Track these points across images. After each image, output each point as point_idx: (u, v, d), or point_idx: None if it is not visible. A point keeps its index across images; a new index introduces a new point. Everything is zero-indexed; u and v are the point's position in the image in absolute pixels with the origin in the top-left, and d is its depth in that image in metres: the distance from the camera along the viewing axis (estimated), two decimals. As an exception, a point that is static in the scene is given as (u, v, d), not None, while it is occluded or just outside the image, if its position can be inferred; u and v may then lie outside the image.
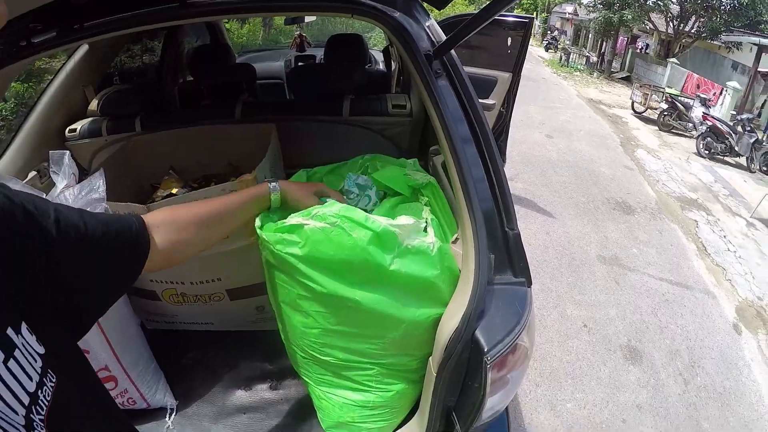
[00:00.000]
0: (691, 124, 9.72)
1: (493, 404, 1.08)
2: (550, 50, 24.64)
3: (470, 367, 1.05)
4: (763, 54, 11.53)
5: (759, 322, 3.95)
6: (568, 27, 33.36)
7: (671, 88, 12.29)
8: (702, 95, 10.56)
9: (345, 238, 1.00)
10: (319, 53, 3.61)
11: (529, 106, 10.25)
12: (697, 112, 9.61)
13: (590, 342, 3.25)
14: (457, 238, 1.19)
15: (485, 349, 0.98)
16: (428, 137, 1.82)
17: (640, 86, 11.80)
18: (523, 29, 3.53)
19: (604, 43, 20.36)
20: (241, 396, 1.58)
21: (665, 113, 10.16)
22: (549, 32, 30.99)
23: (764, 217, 6.11)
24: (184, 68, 2.84)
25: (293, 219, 1.03)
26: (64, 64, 1.95)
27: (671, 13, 16.56)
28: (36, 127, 1.79)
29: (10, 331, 0.46)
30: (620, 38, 20.17)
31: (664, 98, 10.55)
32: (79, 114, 2.02)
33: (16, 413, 0.44)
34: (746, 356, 3.50)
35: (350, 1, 1.30)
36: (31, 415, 0.45)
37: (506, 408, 1.26)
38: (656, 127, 10.29)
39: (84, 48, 1.95)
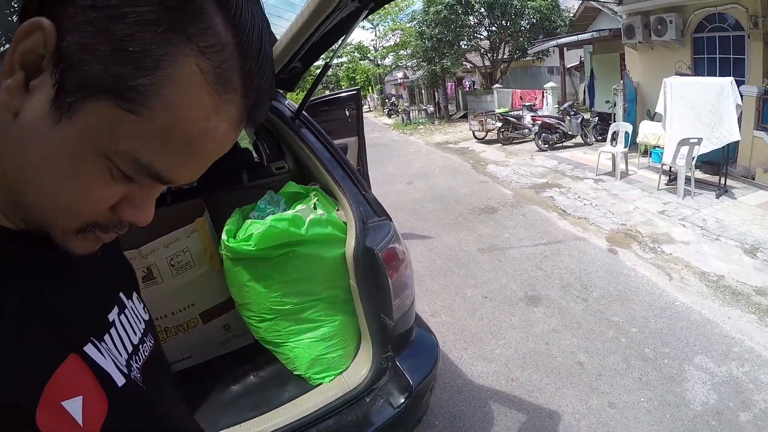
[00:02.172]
0: (526, 130, 11.51)
1: (400, 302, 1.89)
2: (392, 116, 27.22)
3: (372, 268, 1.84)
4: (565, 51, 13.97)
5: (629, 240, 4.97)
6: (402, 91, 37.01)
7: (502, 108, 14.23)
8: (527, 103, 12.60)
9: (274, 229, 1.84)
10: None
11: (386, 165, 11.42)
12: (527, 118, 11.35)
13: (494, 306, 3.89)
14: (338, 209, 2.11)
15: (374, 248, 1.80)
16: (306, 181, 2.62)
17: (474, 116, 13.74)
18: (354, 99, 4.45)
19: (436, 93, 23.08)
20: (235, 391, 2.09)
21: (502, 130, 11.97)
22: (387, 100, 34.33)
23: (606, 171, 7.46)
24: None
25: (245, 234, 1.92)
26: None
27: (483, 49, 19.68)
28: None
29: (121, 295, 0.65)
30: (448, 84, 23.07)
31: (497, 119, 12.30)
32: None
33: (120, 354, 0.57)
34: (628, 264, 4.44)
35: None
36: (131, 361, 0.59)
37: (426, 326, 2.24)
38: (499, 144, 12.01)
39: None
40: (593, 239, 5.06)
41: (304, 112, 2.38)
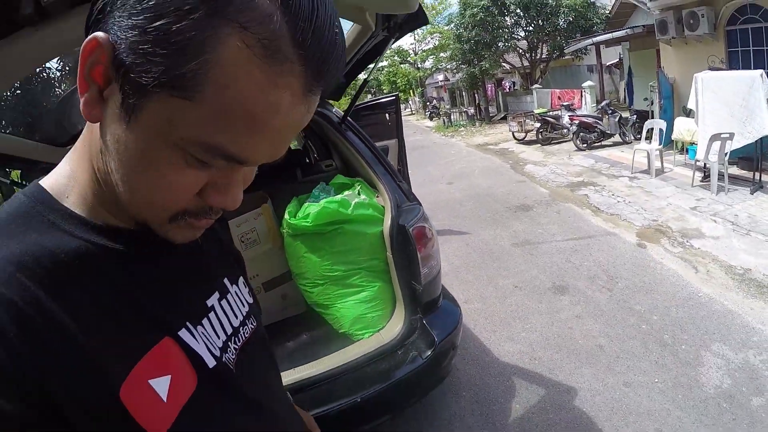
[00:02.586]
0: (565, 130, 11.54)
1: (427, 270, 2.30)
2: (434, 118, 27.40)
3: (404, 242, 2.27)
4: (604, 49, 13.94)
5: (659, 235, 5.11)
6: (443, 93, 37.08)
7: (541, 108, 14.28)
8: (565, 103, 12.65)
9: (326, 209, 2.40)
10: None
11: (427, 167, 11.76)
12: (566, 117, 11.42)
13: (524, 295, 4.14)
14: (378, 196, 2.59)
15: (406, 225, 2.23)
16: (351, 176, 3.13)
17: (513, 117, 13.86)
18: (393, 104, 4.85)
19: (476, 95, 23.22)
20: (290, 347, 2.61)
21: (540, 130, 12.06)
22: (428, 103, 34.64)
23: (641, 169, 7.56)
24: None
25: (304, 214, 2.46)
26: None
27: (521, 49, 19.75)
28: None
29: (226, 281, 0.70)
30: (488, 86, 23.19)
31: (535, 119, 12.40)
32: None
33: (218, 337, 0.62)
34: (655, 258, 4.59)
35: None
36: (229, 342, 0.64)
37: (452, 298, 2.69)
38: (538, 145, 12.12)
39: None
40: (624, 234, 5.22)
41: (348, 117, 2.88)
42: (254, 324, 0.74)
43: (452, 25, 21.50)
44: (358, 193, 2.63)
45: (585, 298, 3.95)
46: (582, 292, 4.05)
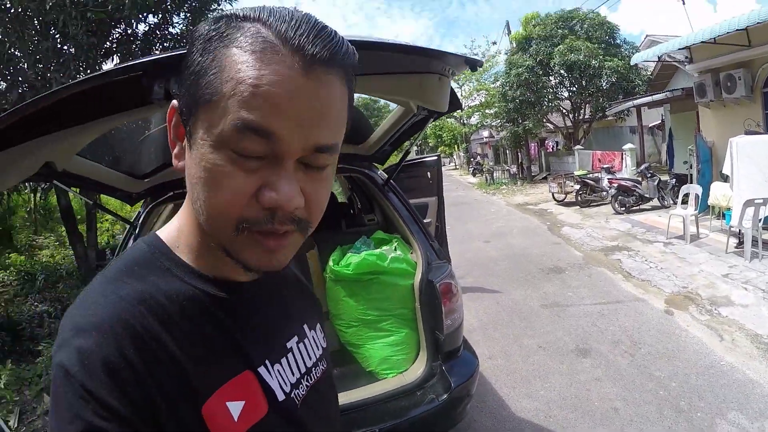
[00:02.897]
0: (604, 192, 11.63)
1: (450, 321, 2.59)
2: (477, 175, 27.76)
3: (431, 296, 2.58)
4: (647, 110, 14.08)
5: (688, 302, 5.20)
6: (488, 150, 37.43)
7: (582, 170, 14.41)
8: (605, 166, 12.78)
9: (366, 260, 2.73)
10: None
11: (467, 224, 12.02)
12: (605, 180, 11.57)
13: (547, 355, 4.29)
14: (412, 252, 2.90)
15: (434, 281, 2.55)
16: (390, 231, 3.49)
17: (554, 178, 14.07)
18: (435, 165, 5.24)
19: (519, 154, 23.53)
20: None
21: (579, 192, 12.21)
22: (472, 159, 34.99)
23: (677, 234, 7.60)
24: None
25: (346, 262, 2.80)
26: (160, 213, 3.35)
27: (565, 109, 20.17)
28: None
29: (305, 327, 0.81)
30: (531, 145, 23.53)
31: (575, 181, 12.58)
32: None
33: (292, 374, 0.73)
34: (681, 325, 4.68)
35: (351, 169, 3.20)
36: (301, 379, 0.75)
37: (471, 350, 2.91)
38: (577, 207, 12.26)
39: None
40: (652, 301, 5.30)
41: (391, 180, 3.29)
42: (324, 365, 0.84)
43: (498, 84, 22.11)
44: (395, 249, 2.98)
45: (606, 361, 4.06)
46: (604, 355, 4.17)
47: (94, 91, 1.47)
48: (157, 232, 0.70)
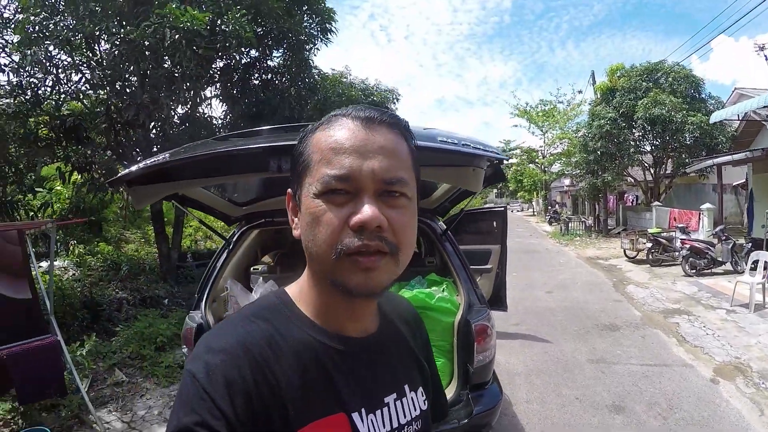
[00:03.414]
0: (676, 253, 11.41)
1: (480, 357, 3.04)
2: (553, 223, 27.48)
3: (467, 333, 3.07)
4: (729, 168, 13.67)
5: (737, 373, 5.24)
6: (566, 199, 36.85)
7: (656, 228, 14.13)
8: (679, 225, 12.55)
9: (417, 296, 3.31)
10: None
11: (533, 272, 12.21)
12: (678, 240, 11.44)
13: (582, 407, 4.52)
14: (458, 295, 3.38)
15: (471, 321, 3.03)
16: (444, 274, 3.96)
17: (626, 234, 13.94)
18: (502, 215, 5.68)
19: (597, 206, 23.21)
20: None
21: (651, 251, 12.08)
22: (550, 207, 34.84)
23: (743, 302, 7.49)
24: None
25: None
26: (249, 235, 4.10)
27: (647, 163, 19.84)
28: (232, 268, 3.86)
29: (406, 387, 0.91)
30: (610, 198, 23.15)
31: (648, 239, 12.44)
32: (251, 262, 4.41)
33: (383, 426, 0.83)
34: (723, 395, 4.72)
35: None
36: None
37: (499, 385, 3.33)
38: (648, 265, 12.10)
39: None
40: (700, 368, 5.35)
41: (448, 231, 3.83)
42: (419, 426, 0.92)
43: (579, 134, 21.98)
44: (443, 290, 3.48)
45: (638, 421, 4.22)
46: (637, 415, 4.32)
47: (227, 158, 2.26)
48: (285, 289, 0.88)
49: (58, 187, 10.57)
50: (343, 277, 0.74)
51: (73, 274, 8.68)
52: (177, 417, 0.69)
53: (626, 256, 13.55)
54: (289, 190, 0.85)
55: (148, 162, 2.75)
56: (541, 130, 35.29)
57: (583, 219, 23.75)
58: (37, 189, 8.57)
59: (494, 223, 5.73)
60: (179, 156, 2.60)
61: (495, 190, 74.01)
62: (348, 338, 0.83)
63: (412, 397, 0.92)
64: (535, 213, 43.46)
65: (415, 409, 0.92)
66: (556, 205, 35.28)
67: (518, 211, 53.06)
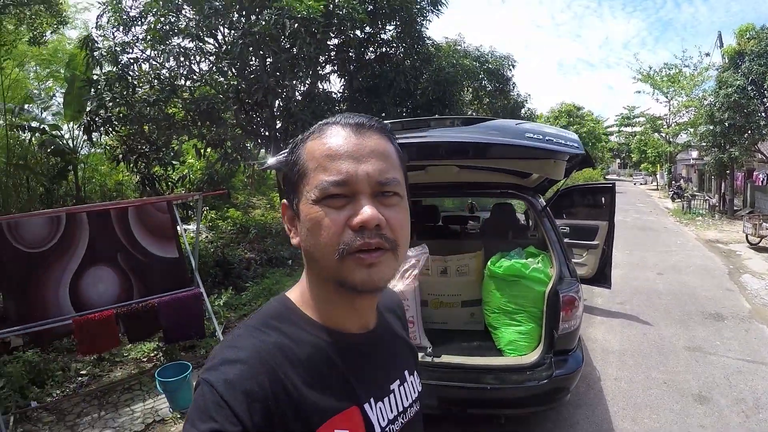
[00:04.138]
0: (805, 242, 10.62)
1: (565, 325, 3.50)
2: (676, 200, 25.88)
3: (555, 303, 3.52)
4: None
5: None
6: (693, 173, 34.36)
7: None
8: (813, 210, 11.51)
9: (514, 266, 3.86)
10: (482, 214, 7.89)
11: (647, 252, 12.02)
12: (809, 227, 10.60)
13: (667, 391, 4.73)
14: (551, 267, 3.86)
15: (560, 292, 3.45)
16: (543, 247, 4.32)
17: (749, 218, 13.09)
18: (610, 191, 5.86)
19: (723, 183, 21.66)
20: (465, 345, 4.03)
21: (776, 238, 11.21)
22: (674, 181, 32.75)
23: None
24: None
25: (498, 264, 3.88)
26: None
27: (779, 138, 18.01)
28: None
29: (406, 372, 1.01)
30: (737, 175, 21.45)
31: (774, 223, 11.68)
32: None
33: (391, 412, 0.91)
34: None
35: (518, 195, 4.26)
36: (398, 416, 0.93)
37: (582, 351, 3.76)
38: (771, 253, 11.33)
39: None
40: (805, 372, 5.24)
41: (547, 208, 4.21)
42: (417, 407, 1.01)
43: (706, 103, 20.35)
44: (538, 262, 3.93)
45: (719, 414, 4.32)
46: (720, 408, 4.41)
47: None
48: (286, 294, 0.94)
49: (191, 160, 11.96)
50: (348, 275, 0.79)
51: (206, 237, 9.97)
52: (193, 424, 0.72)
53: (748, 241, 12.71)
54: (284, 201, 0.91)
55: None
56: (666, 97, 32.93)
57: (707, 197, 22.24)
58: (174, 162, 9.77)
59: (602, 199, 5.97)
60: None
61: (618, 161, 70.07)
62: (353, 335, 0.90)
63: (411, 381, 1.02)
64: (659, 187, 40.81)
65: (414, 392, 1.02)
66: (681, 180, 32.91)
67: (641, 184, 49.83)
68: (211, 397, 0.73)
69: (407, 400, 0.98)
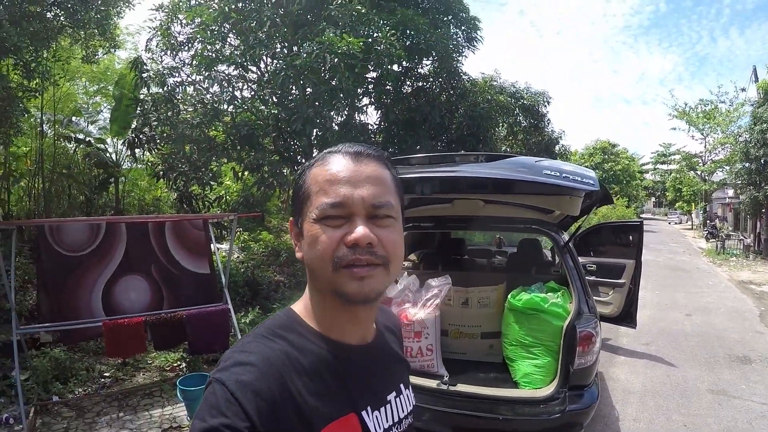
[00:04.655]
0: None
1: (581, 360, 3.52)
2: (710, 240, 25.31)
3: (572, 338, 3.53)
4: None
5: None
6: (728, 212, 33.58)
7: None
8: None
9: (533, 300, 3.90)
10: (509, 249, 7.84)
11: (677, 292, 11.83)
12: None
13: (686, 434, 4.71)
14: (571, 303, 3.88)
15: (577, 327, 3.54)
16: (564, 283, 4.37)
17: (785, 259, 12.62)
18: (638, 230, 5.83)
19: (759, 223, 21.10)
20: (483, 376, 4.07)
21: (813, 280, 10.90)
22: (709, 221, 32.01)
23: None
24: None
25: (518, 297, 3.95)
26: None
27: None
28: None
29: (401, 385, 1.06)
30: (774, 214, 20.71)
31: (811, 266, 11.34)
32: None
33: (387, 421, 0.98)
34: None
35: (541, 231, 4.35)
36: (392, 426, 0.99)
37: (597, 387, 3.79)
38: (811, 295, 11.00)
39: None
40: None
41: (569, 244, 4.28)
42: (411, 420, 1.07)
43: (741, 139, 20.01)
44: (557, 297, 4.00)
45: None
46: None
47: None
48: (291, 307, 1.01)
49: (228, 182, 12.30)
50: (341, 285, 0.87)
51: (238, 257, 10.18)
52: (203, 419, 0.78)
53: (785, 283, 12.43)
54: (291, 218, 1.00)
55: None
56: (702, 134, 32.44)
57: (742, 237, 21.70)
58: (211, 183, 10.05)
59: (630, 237, 5.95)
60: None
61: (653, 199, 68.90)
62: (353, 346, 0.97)
63: (407, 394, 1.08)
64: (693, 226, 39.89)
65: (409, 405, 1.08)
66: (716, 219, 32.11)
67: (676, 223, 48.75)
68: (223, 395, 0.78)
69: (403, 411, 1.04)
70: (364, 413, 0.93)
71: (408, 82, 11.13)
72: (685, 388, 5.82)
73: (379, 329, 1.09)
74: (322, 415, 0.85)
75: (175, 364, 5.93)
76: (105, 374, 5.56)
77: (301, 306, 1.00)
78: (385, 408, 0.99)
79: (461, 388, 3.71)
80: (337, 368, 0.92)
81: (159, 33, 9.40)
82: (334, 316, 0.95)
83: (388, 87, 10.34)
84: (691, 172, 36.91)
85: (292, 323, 0.96)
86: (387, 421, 0.98)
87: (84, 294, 4.87)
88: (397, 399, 1.04)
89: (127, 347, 4.78)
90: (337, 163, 0.92)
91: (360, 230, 0.86)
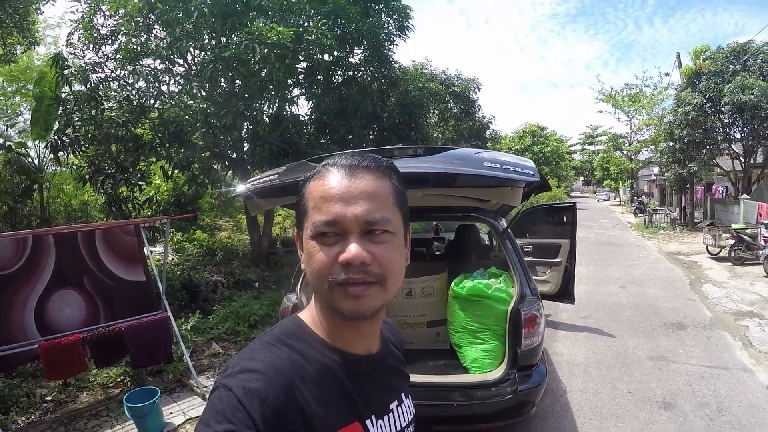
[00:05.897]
0: (760, 251, 11.07)
1: (528, 342, 3.56)
2: (638, 215, 26.57)
3: (517, 321, 3.58)
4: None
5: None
6: (654, 189, 35.18)
7: (741, 224, 13.48)
8: (764, 221, 12.13)
9: (476, 286, 3.94)
10: (448, 235, 7.74)
11: (610, 267, 12.25)
12: (762, 237, 11.13)
13: (632, 400, 4.83)
14: (513, 287, 3.86)
15: (521, 310, 3.52)
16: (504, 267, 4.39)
17: (709, 230, 13.51)
18: (571, 210, 5.97)
19: (683, 197, 22.29)
20: (431, 364, 4.06)
21: (734, 248, 11.75)
22: (636, 197, 33.31)
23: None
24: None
25: (461, 285, 3.93)
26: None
27: (736, 152, 18.77)
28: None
29: (402, 395, 1.07)
30: (697, 189, 22.16)
31: (731, 235, 12.13)
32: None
33: (389, 429, 0.97)
34: (778, 401, 4.80)
35: (480, 218, 4.30)
36: None
37: (545, 365, 3.81)
38: (730, 263, 11.79)
39: None
40: (760, 374, 5.38)
41: (509, 230, 4.28)
42: (412, 429, 1.07)
43: (665, 121, 21.04)
44: (500, 282, 4.01)
45: (683, 419, 4.42)
46: (684, 414, 4.52)
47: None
48: (299, 315, 1.01)
49: (158, 182, 11.77)
50: (336, 303, 0.86)
51: (172, 259, 9.75)
52: (208, 424, 0.77)
53: (708, 252, 13.17)
54: (296, 230, 1.00)
55: (262, 182, 3.45)
56: (627, 116, 33.92)
57: (668, 211, 22.80)
58: (140, 183, 9.56)
59: (564, 218, 6.07)
60: (291, 176, 3.33)
61: (581, 178, 71.58)
62: (358, 357, 0.96)
63: (408, 404, 1.08)
64: (622, 203, 41.68)
65: (410, 414, 1.08)
66: (643, 195, 33.68)
67: (604, 200, 50.89)
68: (229, 401, 0.78)
69: (404, 420, 1.04)
70: (368, 422, 0.93)
71: (339, 72, 10.89)
72: (625, 356, 6.00)
73: (384, 342, 1.09)
74: (327, 423, 0.85)
75: (119, 380, 5.55)
76: (47, 398, 5.13)
77: (308, 314, 0.99)
78: (388, 417, 0.99)
79: (413, 378, 3.54)
80: (342, 377, 0.92)
81: (81, 26, 8.81)
82: (338, 327, 0.94)
83: (319, 77, 10.10)
84: (618, 152, 38.50)
85: (299, 331, 0.95)
86: (390, 430, 0.98)
87: (16, 315, 4.46)
88: (399, 408, 1.04)
89: (66, 367, 4.41)
90: (332, 179, 0.89)
91: (352, 249, 0.84)
